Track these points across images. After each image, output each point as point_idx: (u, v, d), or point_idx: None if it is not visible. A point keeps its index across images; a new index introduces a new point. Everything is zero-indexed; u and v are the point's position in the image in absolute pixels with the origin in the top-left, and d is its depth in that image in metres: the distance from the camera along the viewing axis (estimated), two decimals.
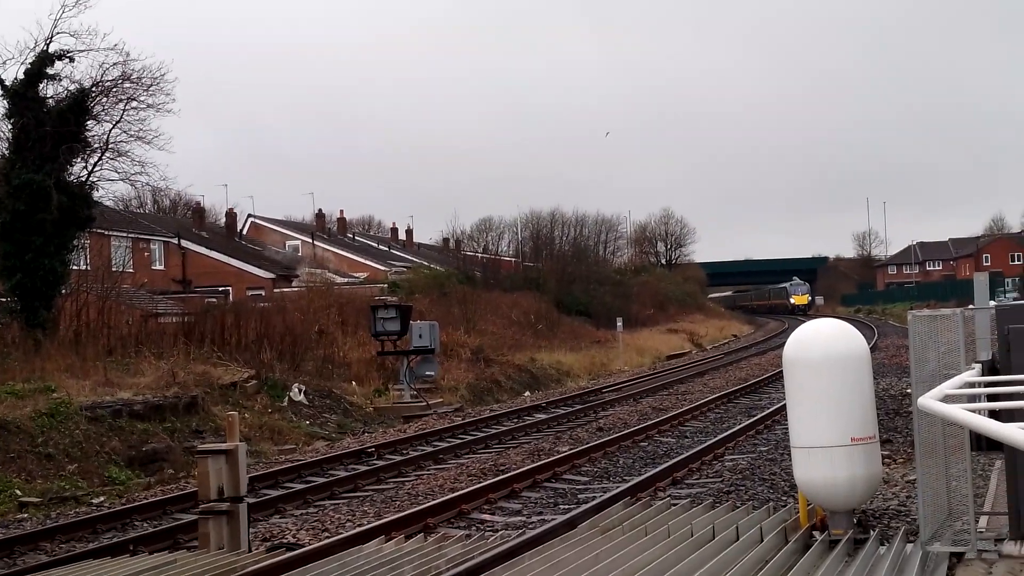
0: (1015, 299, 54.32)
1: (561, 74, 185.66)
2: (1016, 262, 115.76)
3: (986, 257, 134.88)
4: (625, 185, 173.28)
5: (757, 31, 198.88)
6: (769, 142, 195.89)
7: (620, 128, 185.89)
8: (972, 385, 7.18)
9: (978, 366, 8.97)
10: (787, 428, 10.91)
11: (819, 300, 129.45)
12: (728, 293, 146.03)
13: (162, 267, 56.81)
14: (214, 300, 43.69)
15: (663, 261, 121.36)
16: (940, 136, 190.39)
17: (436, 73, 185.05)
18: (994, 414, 6.72)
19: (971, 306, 11.11)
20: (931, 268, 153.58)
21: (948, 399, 5.92)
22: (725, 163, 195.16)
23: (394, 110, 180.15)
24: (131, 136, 32.77)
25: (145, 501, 17.31)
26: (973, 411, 5.07)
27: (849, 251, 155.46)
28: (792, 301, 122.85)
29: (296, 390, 28.84)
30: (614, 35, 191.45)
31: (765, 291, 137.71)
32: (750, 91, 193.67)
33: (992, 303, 12.95)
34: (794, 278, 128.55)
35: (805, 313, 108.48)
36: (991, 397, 7.29)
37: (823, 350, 9.95)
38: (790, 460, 10.92)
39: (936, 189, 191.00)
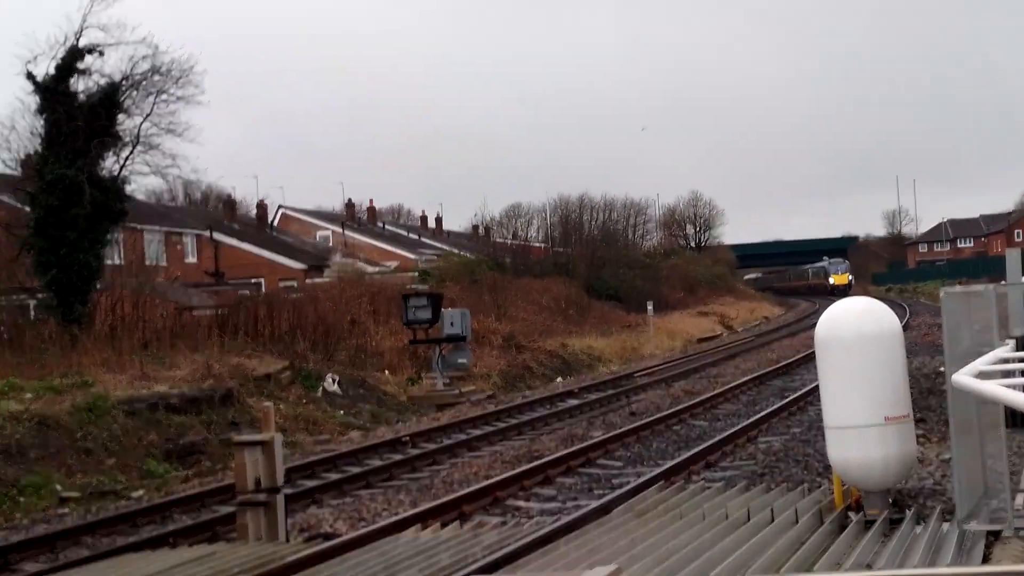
0: None
1: (581, 57, 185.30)
2: None
3: (1018, 233, 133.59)
4: (653, 167, 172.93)
5: (778, 9, 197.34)
6: (793, 123, 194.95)
7: (644, 110, 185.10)
8: (1006, 361, 7.16)
9: (1012, 342, 8.94)
10: (820, 409, 10.90)
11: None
12: (758, 275, 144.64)
13: (195, 260, 57.12)
14: (247, 292, 43.96)
15: (692, 244, 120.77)
16: (967, 111, 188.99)
17: (459, 58, 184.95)
18: None
19: (1004, 282, 11.06)
20: (962, 245, 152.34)
21: (982, 376, 5.91)
22: (750, 145, 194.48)
23: (418, 98, 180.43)
24: (161, 129, 32.98)
25: (183, 494, 17.46)
26: (1008, 387, 5.07)
27: (879, 230, 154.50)
28: (831, 281, 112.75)
29: (330, 380, 28.98)
30: (633, 17, 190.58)
31: (803, 271, 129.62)
32: (772, 71, 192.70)
33: None
34: (827, 258, 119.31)
35: (845, 294, 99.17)
36: None
37: (855, 329, 9.93)
38: (824, 441, 10.92)
39: (966, 165, 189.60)
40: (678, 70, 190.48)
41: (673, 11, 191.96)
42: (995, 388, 4.71)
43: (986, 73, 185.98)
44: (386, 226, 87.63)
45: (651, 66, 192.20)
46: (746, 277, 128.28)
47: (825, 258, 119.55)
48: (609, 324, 55.19)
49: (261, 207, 73.12)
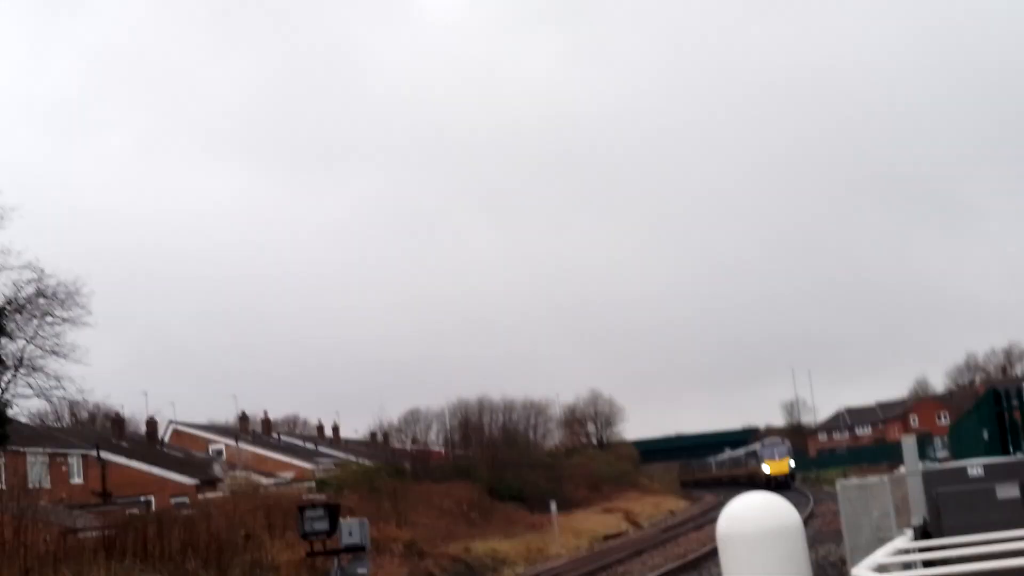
0: (944, 459, 54.74)
1: (466, 264, 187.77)
2: (943, 422, 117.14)
3: (914, 418, 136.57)
4: (552, 367, 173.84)
5: (658, 221, 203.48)
6: (686, 320, 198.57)
7: (535, 312, 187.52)
8: (905, 551, 7.02)
9: (910, 531, 8.83)
10: None
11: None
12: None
13: (81, 480, 55.35)
14: (136, 511, 42.53)
15: (594, 441, 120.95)
16: (854, 307, 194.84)
17: (346, 268, 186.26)
18: None
19: (901, 468, 11.05)
20: (860, 433, 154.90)
21: (881, 568, 5.75)
22: (646, 344, 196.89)
23: (307, 309, 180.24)
24: (46, 351, 32.41)
25: None
26: None
27: (779, 420, 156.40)
28: (766, 470, 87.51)
29: None
30: (509, 226, 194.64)
31: (725, 460, 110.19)
32: (656, 276, 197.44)
33: (922, 465, 12.90)
34: (762, 442, 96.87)
35: (789, 487, 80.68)
36: (925, 563, 7.13)
37: (755, 525, 9.71)
38: None
39: (858, 355, 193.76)
40: (565, 275, 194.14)
41: (553, 222, 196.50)
42: None
43: (858, 271, 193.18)
44: (281, 437, 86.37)
45: (535, 271, 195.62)
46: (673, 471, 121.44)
47: (760, 443, 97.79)
48: (513, 525, 54.42)
49: (151, 423, 71.62)
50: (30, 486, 38.84)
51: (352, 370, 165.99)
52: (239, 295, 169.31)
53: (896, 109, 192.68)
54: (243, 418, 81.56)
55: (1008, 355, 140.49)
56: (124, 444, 63.52)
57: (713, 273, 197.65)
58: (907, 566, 6.66)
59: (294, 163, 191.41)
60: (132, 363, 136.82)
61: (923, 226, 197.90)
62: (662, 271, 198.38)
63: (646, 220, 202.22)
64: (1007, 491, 8.73)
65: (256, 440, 77.83)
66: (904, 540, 7.48)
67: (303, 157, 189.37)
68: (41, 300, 32.22)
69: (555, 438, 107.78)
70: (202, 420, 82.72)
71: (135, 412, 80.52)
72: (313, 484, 51.23)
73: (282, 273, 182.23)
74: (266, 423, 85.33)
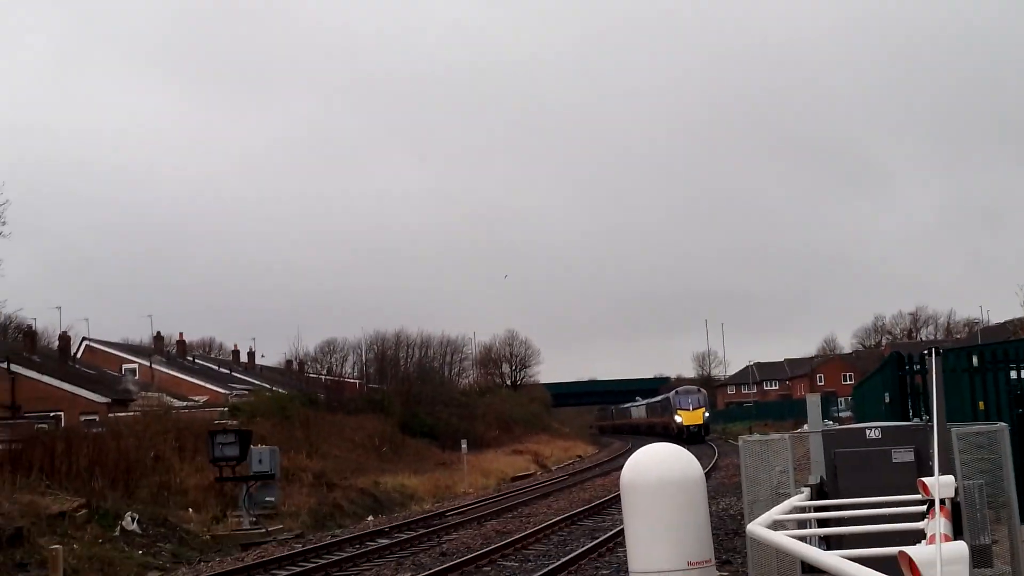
0: (847, 418, 55.95)
1: (393, 201, 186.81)
2: (848, 382, 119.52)
3: (820, 377, 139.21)
4: (469, 308, 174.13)
5: (579, 174, 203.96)
6: (602, 268, 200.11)
7: (455, 254, 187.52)
8: (801, 510, 7.30)
9: (807, 489, 9.15)
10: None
11: None
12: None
13: None
14: (44, 426, 42.12)
15: (508, 382, 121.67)
16: (766, 266, 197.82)
17: (264, 197, 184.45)
18: (824, 539, 6.86)
19: (804, 427, 11.38)
20: (768, 388, 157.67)
21: (777, 525, 6.00)
22: (563, 289, 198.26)
23: (228, 233, 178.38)
24: None
25: None
26: (801, 537, 5.14)
27: (690, 372, 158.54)
28: (679, 420, 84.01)
29: (129, 519, 27.83)
30: (435, 168, 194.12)
31: (635, 408, 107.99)
32: (575, 226, 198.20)
33: (825, 423, 13.28)
34: (677, 391, 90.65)
35: (702, 440, 78.12)
36: (820, 522, 7.42)
37: (657, 475, 10.02)
38: None
39: (769, 312, 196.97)
40: (485, 218, 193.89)
41: (475, 164, 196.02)
42: (784, 539, 4.78)
43: (775, 231, 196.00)
44: (196, 360, 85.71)
45: (456, 211, 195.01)
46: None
47: (674, 391, 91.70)
48: (423, 462, 54.82)
49: (63, 339, 70.54)
50: None
51: (270, 297, 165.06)
52: (157, 216, 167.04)
53: (810, 76, 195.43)
54: (158, 338, 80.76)
55: (915, 319, 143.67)
56: (35, 358, 62.65)
57: (631, 226, 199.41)
58: (802, 524, 6.94)
59: (217, 87, 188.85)
60: (47, 278, 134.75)
61: (834, 192, 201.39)
62: (581, 221, 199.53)
63: (568, 171, 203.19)
64: (903, 455, 9.05)
65: (170, 362, 77.20)
66: (801, 498, 7.77)
67: (226, 81, 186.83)
68: None
69: (470, 377, 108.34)
70: (116, 339, 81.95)
71: (48, 327, 79.38)
72: (226, 409, 51.05)
73: (202, 196, 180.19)
74: (181, 345, 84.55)
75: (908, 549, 3.15)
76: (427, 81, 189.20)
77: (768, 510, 7.23)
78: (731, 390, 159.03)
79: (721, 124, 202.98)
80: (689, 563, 9.91)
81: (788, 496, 8.63)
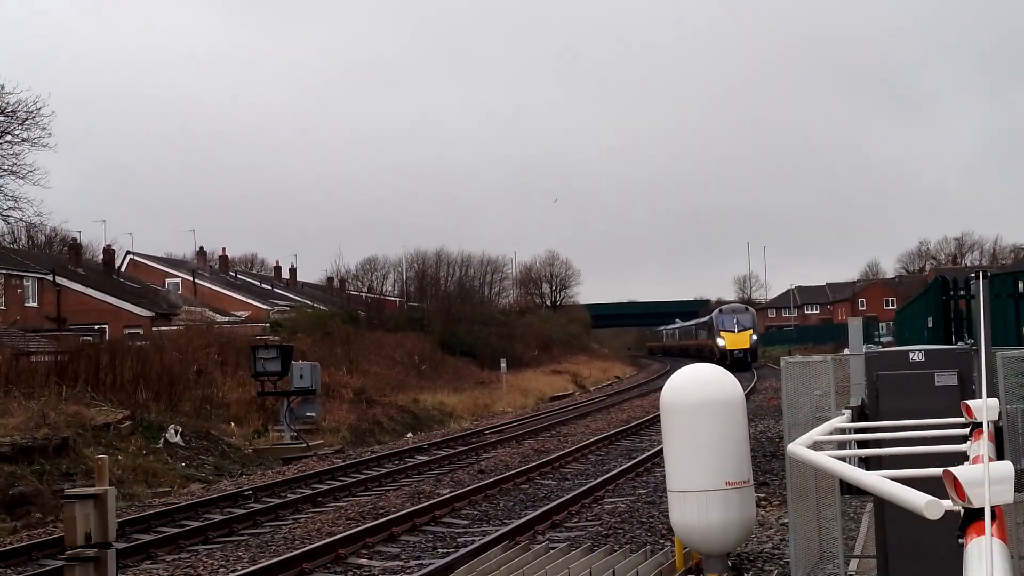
0: (888, 343, 55.65)
1: (428, 119, 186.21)
2: (890, 307, 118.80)
3: (862, 302, 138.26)
4: (511, 228, 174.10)
5: (619, 91, 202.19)
6: (646, 195, 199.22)
7: (493, 172, 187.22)
8: (841, 431, 7.26)
9: (848, 411, 9.10)
10: (665, 471, 10.97)
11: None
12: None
13: (36, 304, 55.33)
14: (89, 339, 42.67)
15: (548, 302, 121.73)
16: (808, 187, 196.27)
17: (310, 113, 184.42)
18: (863, 460, 6.83)
19: (846, 351, 11.30)
20: (809, 312, 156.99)
21: (817, 445, 5.97)
22: (602, 212, 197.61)
23: (271, 150, 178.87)
24: (4, 171, 32.01)
25: (10, 547, 16.74)
26: (841, 458, 5.11)
27: (731, 295, 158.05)
28: (721, 343, 75.83)
29: (172, 431, 28.22)
30: (472, 85, 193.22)
31: (689, 329, 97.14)
32: (616, 145, 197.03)
33: (866, 348, 13.18)
34: (721, 310, 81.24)
35: (749, 367, 70.48)
36: (860, 444, 7.39)
37: (699, 396, 10.03)
38: (668, 503, 10.98)
39: (812, 235, 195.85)
40: (524, 135, 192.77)
41: (513, 81, 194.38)
42: (826, 459, 4.74)
43: (818, 152, 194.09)
44: (239, 275, 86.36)
45: (494, 130, 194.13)
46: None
47: (718, 310, 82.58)
48: (462, 380, 55.13)
49: (108, 252, 71.26)
50: None
51: (312, 214, 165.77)
52: (200, 134, 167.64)
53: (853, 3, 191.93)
54: (201, 253, 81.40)
55: (960, 245, 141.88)
56: (80, 271, 63.32)
57: (671, 146, 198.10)
58: (841, 445, 6.90)
59: (253, 7, 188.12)
60: (91, 192, 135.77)
61: (877, 113, 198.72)
62: (621, 140, 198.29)
63: (607, 88, 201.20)
64: (946, 378, 8.97)
65: (213, 277, 77.80)
66: (841, 420, 7.74)
67: (262, 3, 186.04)
68: (0, 118, 31.71)
69: (510, 297, 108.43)
70: (160, 254, 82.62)
71: (93, 240, 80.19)
72: (267, 325, 51.46)
73: (245, 115, 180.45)
74: (223, 260, 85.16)
75: (953, 469, 3.11)
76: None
77: (807, 432, 7.21)
78: (771, 313, 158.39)
79: (769, 47, 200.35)
80: (727, 483, 9.96)
81: (827, 419, 8.60)
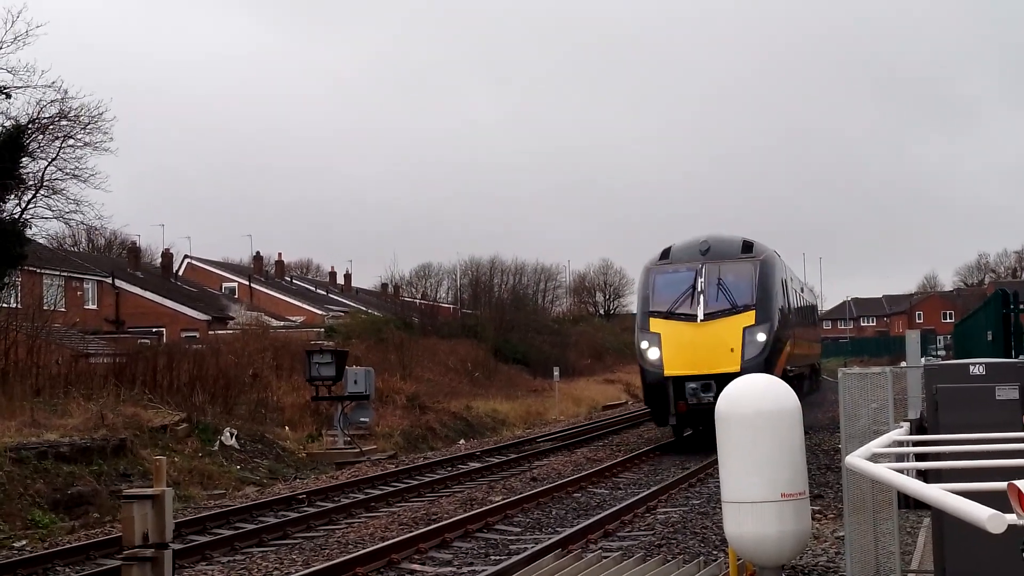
0: (944, 357, 55.01)
1: (476, 132, 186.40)
2: (947, 320, 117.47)
3: (919, 314, 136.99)
4: (561, 237, 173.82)
5: (667, 108, 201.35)
6: (697, 207, 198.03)
7: (543, 183, 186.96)
8: (900, 444, 7.21)
9: (907, 424, 9.03)
10: (719, 481, 10.92)
11: None
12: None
13: (95, 307, 56.07)
14: (147, 341, 43.19)
15: (601, 311, 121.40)
16: (857, 202, 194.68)
17: (353, 124, 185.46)
18: (922, 473, 6.76)
19: (903, 363, 11.21)
20: (865, 324, 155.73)
21: (875, 457, 5.93)
22: (654, 223, 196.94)
23: (326, 157, 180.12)
24: (67, 174, 32.53)
25: (68, 545, 16.97)
26: (900, 471, 5.07)
27: None
28: None
29: (228, 434, 28.47)
30: (520, 100, 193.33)
31: None
32: (665, 159, 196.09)
33: (923, 360, 13.07)
34: None
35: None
36: (919, 457, 7.32)
37: (754, 406, 9.96)
38: (722, 514, 10.92)
39: (865, 249, 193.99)
40: (571, 148, 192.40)
41: (558, 95, 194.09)
42: (886, 472, 4.71)
43: (864, 166, 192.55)
44: (294, 280, 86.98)
45: (543, 143, 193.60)
46: None
47: None
48: (515, 388, 55.12)
49: (166, 256, 72.09)
50: (45, 307, 39.35)
51: (367, 221, 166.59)
52: (258, 139, 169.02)
53: (895, 8, 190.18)
54: (257, 258, 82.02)
55: (1020, 258, 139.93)
56: (139, 274, 64.11)
57: (720, 160, 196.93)
58: (900, 458, 6.84)
59: (304, 15, 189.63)
60: (150, 196, 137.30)
61: (920, 126, 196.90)
62: (671, 154, 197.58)
63: (660, 107, 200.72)
64: (1007, 392, 8.87)
65: (269, 281, 78.45)
66: (900, 433, 7.68)
67: (313, 10, 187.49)
68: (63, 122, 32.23)
69: (563, 305, 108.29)
70: (217, 258, 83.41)
71: (151, 244, 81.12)
72: (322, 330, 51.81)
73: (300, 122, 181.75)
74: (279, 265, 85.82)
75: (1018, 482, 3.09)
76: (514, 9, 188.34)
77: (865, 445, 7.16)
78: (827, 325, 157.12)
79: (811, 58, 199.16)
80: (783, 495, 9.87)
81: (885, 431, 8.53)
